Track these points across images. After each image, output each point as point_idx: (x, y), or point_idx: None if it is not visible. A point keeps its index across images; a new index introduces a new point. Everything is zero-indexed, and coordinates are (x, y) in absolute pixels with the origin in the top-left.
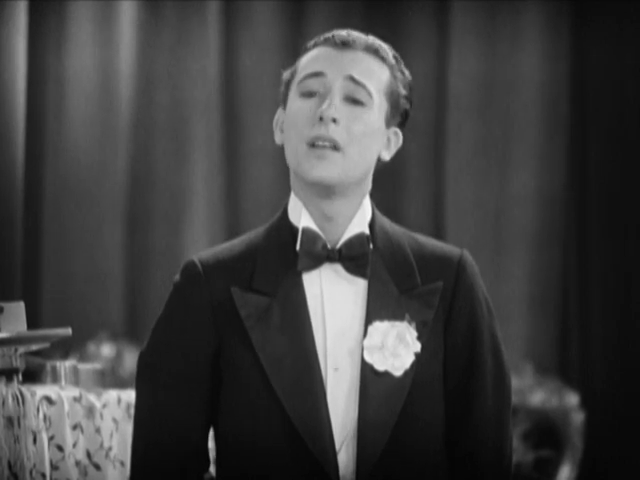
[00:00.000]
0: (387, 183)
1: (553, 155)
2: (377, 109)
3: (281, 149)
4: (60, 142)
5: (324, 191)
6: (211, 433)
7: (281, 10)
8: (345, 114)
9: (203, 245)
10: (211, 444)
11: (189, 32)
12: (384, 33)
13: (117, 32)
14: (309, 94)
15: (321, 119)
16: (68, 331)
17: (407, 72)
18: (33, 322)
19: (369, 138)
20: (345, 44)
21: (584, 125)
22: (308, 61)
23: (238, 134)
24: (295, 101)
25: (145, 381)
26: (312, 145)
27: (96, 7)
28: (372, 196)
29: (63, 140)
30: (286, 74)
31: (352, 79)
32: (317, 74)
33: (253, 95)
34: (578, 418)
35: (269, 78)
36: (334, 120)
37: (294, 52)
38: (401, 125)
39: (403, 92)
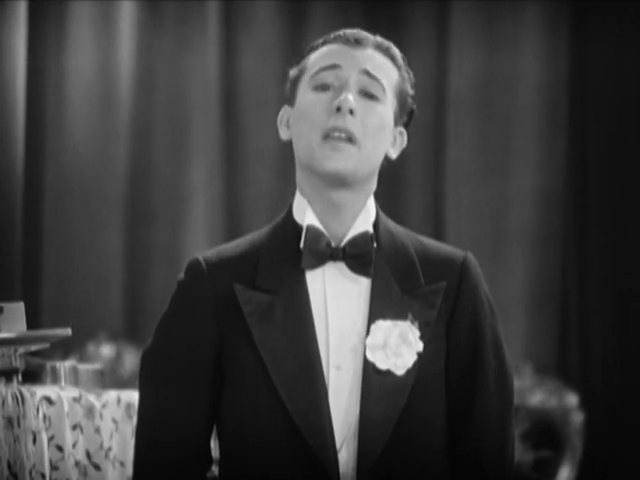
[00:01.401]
0: (387, 183)
1: (553, 155)
2: (389, 106)
3: (282, 149)
4: (60, 142)
5: (333, 182)
6: (214, 431)
7: (281, 10)
8: (361, 107)
9: (203, 245)
10: (214, 443)
11: (189, 32)
12: (384, 33)
13: (117, 32)
14: (323, 87)
15: (338, 110)
16: (68, 331)
17: (411, 73)
18: (33, 322)
19: (382, 133)
20: (357, 41)
21: (583, 125)
22: (321, 56)
23: (238, 134)
24: (307, 94)
25: (148, 379)
26: (327, 136)
27: (96, 7)
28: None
29: (63, 140)
30: (293, 71)
31: (367, 73)
32: (333, 67)
33: (253, 95)
34: (577, 418)
35: (269, 78)
36: (351, 112)
37: (294, 52)
38: (406, 125)
39: (410, 92)
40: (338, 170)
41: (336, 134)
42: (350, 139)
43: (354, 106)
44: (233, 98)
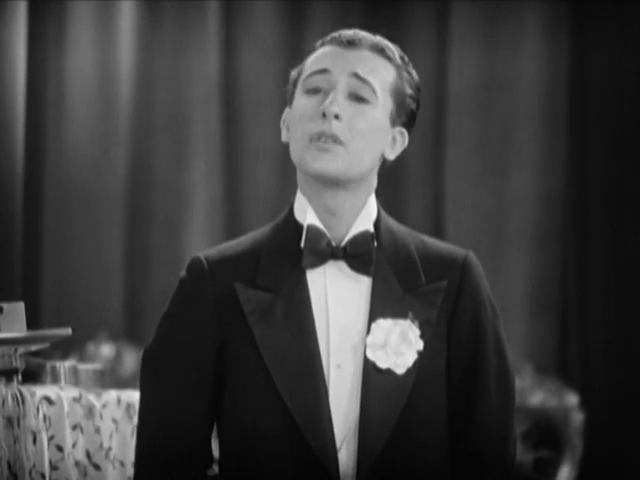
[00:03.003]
0: (387, 183)
1: (553, 155)
2: (382, 107)
3: (281, 149)
4: (60, 142)
5: (327, 183)
6: (215, 430)
7: (281, 10)
8: (348, 111)
9: (203, 245)
10: (214, 442)
11: (189, 32)
12: (384, 33)
13: (117, 32)
14: (314, 91)
15: (324, 115)
16: (68, 331)
17: (414, 73)
18: (33, 322)
19: (372, 135)
20: (351, 43)
21: (584, 125)
22: (314, 59)
23: (238, 134)
24: (300, 98)
25: (149, 377)
26: (312, 140)
27: (96, 7)
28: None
29: (63, 140)
30: (293, 73)
31: (357, 76)
32: (322, 71)
33: (253, 95)
34: (578, 418)
35: (269, 78)
36: (336, 116)
37: (294, 52)
38: (407, 125)
39: (409, 92)
40: (326, 170)
41: (322, 139)
42: (336, 141)
43: (339, 111)
44: (233, 98)
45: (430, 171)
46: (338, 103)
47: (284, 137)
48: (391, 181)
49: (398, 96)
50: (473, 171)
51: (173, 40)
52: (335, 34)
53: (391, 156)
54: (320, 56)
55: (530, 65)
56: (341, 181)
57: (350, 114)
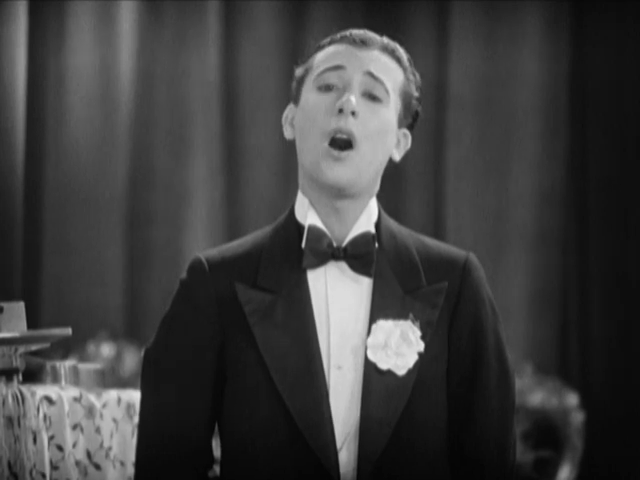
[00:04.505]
0: (387, 183)
1: (553, 155)
2: (392, 107)
3: (282, 148)
4: (60, 142)
5: (337, 192)
6: (216, 430)
7: (281, 9)
8: (363, 109)
9: (203, 245)
10: (215, 442)
11: (189, 32)
12: (384, 33)
13: (117, 32)
14: (327, 88)
15: (341, 111)
16: (68, 331)
17: (417, 75)
18: (33, 322)
19: (383, 135)
20: (363, 42)
21: (584, 125)
22: (326, 56)
23: (238, 134)
24: (311, 95)
25: (150, 377)
26: (332, 142)
27: (96, 7)
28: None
29: (63, 140)
30: (299, 70)
31: (371, 75)
32: (337, 68)
33: (253, 95)
34: (578, 418)
35: (269, 78)
36: (353, 113)
37: (294, 51)
38: (410, 127)
39: (415, 94)
40: (338, 181)
41: (338, 135)
42: (350, 143)
43: (356, 108)
44: (233, 98)
45: (430, 171)
46: (355, 100)
47: (288, 134)
48: (391, 181)
49: (406, 97)
50: (473, 171)
51: (173, 40)
52: (345, 33)
53: (397, 157)
54: (332, 53)
55: (530, 64)
56: (350, 191)
57: (364, 112)
